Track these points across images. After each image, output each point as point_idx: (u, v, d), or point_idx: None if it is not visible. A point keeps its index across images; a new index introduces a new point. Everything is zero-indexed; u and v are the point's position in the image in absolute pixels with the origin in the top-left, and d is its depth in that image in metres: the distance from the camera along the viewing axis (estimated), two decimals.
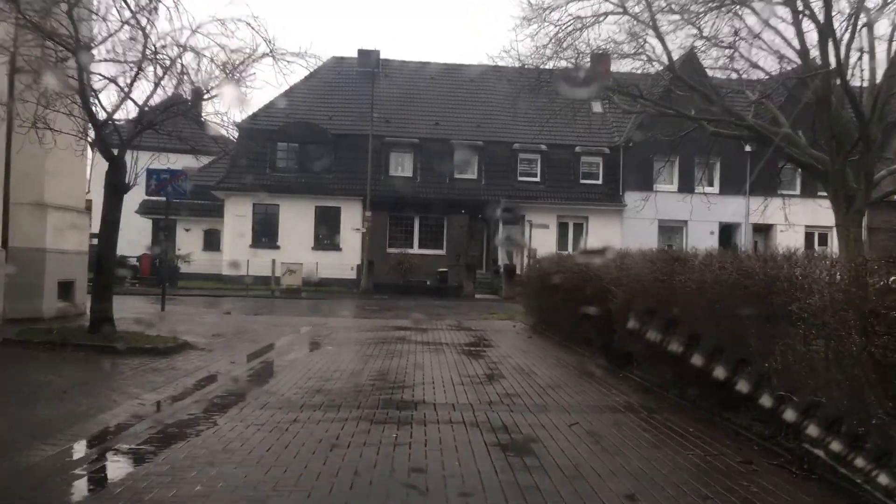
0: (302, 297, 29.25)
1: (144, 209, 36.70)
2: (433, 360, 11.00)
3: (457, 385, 8.71)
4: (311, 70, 20.15)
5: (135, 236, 38.26)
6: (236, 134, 18.41)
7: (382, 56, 38.51)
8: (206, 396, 7.73)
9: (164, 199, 20.91)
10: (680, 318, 7.28)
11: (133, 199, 37.82)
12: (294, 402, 7.49)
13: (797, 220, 36.03)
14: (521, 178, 35.73)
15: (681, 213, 35.99)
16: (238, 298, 27.77)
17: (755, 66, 20.06)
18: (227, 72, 11.57)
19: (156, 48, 11.48)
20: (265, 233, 34.29)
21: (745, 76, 21.45)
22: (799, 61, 19.47)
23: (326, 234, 34.74)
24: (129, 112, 12.13)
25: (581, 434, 6.29)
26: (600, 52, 21.43)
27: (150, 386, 8.24)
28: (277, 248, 33.59)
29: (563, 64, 22.93)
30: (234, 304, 24.84)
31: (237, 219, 33.76)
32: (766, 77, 22.48)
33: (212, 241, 36.17)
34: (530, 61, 21.72)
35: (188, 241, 36.79)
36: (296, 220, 33.79)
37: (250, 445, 5.63)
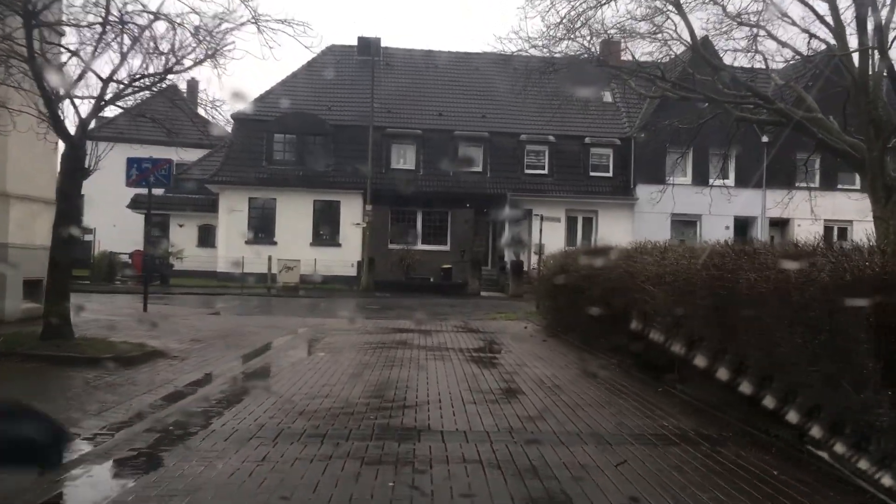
0: (300, 296, 27.83)
1: (136, 204, 35.33)
2: (439, 369, 9.57)
3: (468, 404, 7.28)
4: (305, 45, 18.55)
5: (127, 232, 37.04)
6: (222, 118, 16.84)
7: (383, 44, 36.99)
8: (162, 422, 6.30)
9: (145, 189, 19.32)
10: (746, 327, 5.83)
11: (125, 192, 36.55)
12: (270, 428, 6.06)
13: (817, 213, 34.53)
14: (528, 171, 34.27)
15: (695, 207, 34.52)
16: (232, 297, 26.37)
17: (783, 44, 18.55)
18: (202, 39, 10.02)
19: (122, 14, 10.00)
20: (262, 228, 32.87)
21: (770, 60, 19.96)
22: (831, 40, 17.98)
23: (326, 229, 33.30)
24: (92, 88, 10.63)
25: (633, 478, 4.85)
26: (616, 30, 19.79)
27: (97, 407, 6.83)
28: (274, 244, 32.17)
29: (576, 47, 21.37)
30: (227, 303, 23.43)
31: (232, 214, 32.34)
32: (792, 60, 21.02)
33: (207, 238, 34.75)
34: (540, 42, 20.11)
35: (182, 236, 35.37)
36: (293, 214, 32.36)
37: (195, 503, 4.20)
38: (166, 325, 13.81)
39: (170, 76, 11.39)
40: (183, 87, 47.27)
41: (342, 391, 7.82)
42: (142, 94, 11.45)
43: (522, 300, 29.10)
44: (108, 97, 10.56)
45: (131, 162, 16.79)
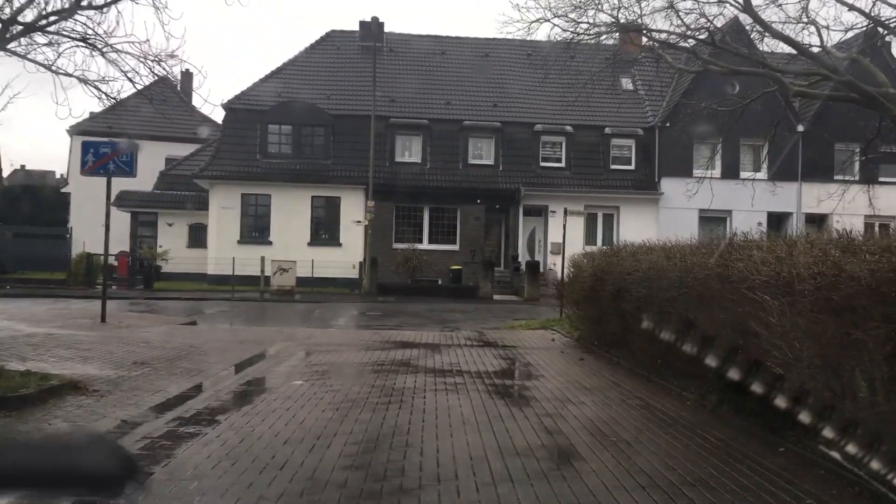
0: (295, 300, 25.30)
1: (121, 201, 32.85)
2: (452, 408, 7.00)
3: (500, 481, 4.67)
4: None
5: (116, 233, 34.52)
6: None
7: (387, 29, 34.47)
8: None
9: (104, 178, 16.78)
10: None
11: (100, 186, 34.07)
12: None
13: (855, 208, 31.90)
14: (543, 164, 31.63)
15: (724, 202, 31.89)
16: (220, 302, 23.87)
17: (851, 6, 15.85)
18: None
19: None
20: (255, 227, 30.35)
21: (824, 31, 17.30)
22: None
23: (324, 227, 30.74)
24: None
25: None
26: None
27: None
28: (269, 243, 29.64)
29: (603, 17, 18.76)
30: (212, 310, 20.93)
31: (223, 211, 29.82)
32: (850, 31, 18.36)
33: (198, 237, 32.22)
34: (564, 6, 17.50)
35: (171, 236, 32.88)
36: (290, 212, 29.81)
37: None
38: (113, 341, 11.26)
39: (84, 12, 8.74)
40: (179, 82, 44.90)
41: (309, 455, 5.22)
42: (55, 38, 8.81)
43: (539, 304, 26.52)
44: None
45: (87, 147, 14.26)
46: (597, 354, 11.26)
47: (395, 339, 13.29)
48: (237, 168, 29.83)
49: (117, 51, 8.75)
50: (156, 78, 8.83)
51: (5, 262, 31.23)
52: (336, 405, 7.08)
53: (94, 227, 36.77)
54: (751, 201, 31.06)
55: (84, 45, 8.62)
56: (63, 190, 40.48)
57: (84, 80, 8.94)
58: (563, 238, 18.68)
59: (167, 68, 8.82)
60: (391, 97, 31.89)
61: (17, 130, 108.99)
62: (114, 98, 9.23)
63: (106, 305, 14.40)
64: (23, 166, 74.77)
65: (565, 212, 18.73)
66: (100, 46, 8.71)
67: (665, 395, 7.71)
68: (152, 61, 8.79)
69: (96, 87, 9.10)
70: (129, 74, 8.90)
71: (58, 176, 55.14)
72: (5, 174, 72.38)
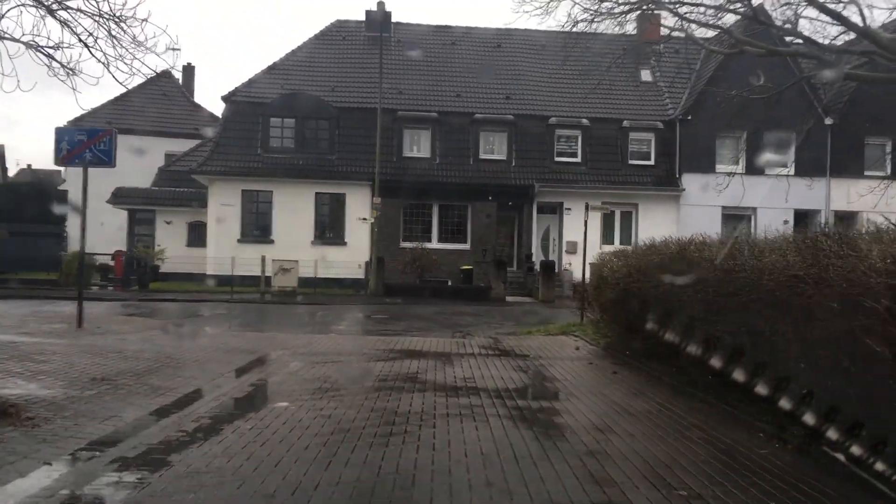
0: (297, 302, 23.97)
1: (117, 198, 31.67)
2: (469, 443, 5.60)
3: None
4: None
5: (116, 231, 33.30)
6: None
7: (394, 19, 33.12)
8: None
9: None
10: None
11: (104, 184, 32.87)
12: None
13: (889, 206, 30.39)
14: (558, 159, 30.18)
15: (748, 199, 30.27)
16: (217, 304, 22.58)
17: None
18: None
19: None
20: (256, 225, 29.02)
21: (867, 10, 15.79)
22: None
23: (329, 225, 29.39)
24: None
25: None
26: None
27: None
28: (271, 242, 28.33)
29: None
30: (206, 313, 19.63)
31: (223, 208, 28.49)
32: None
33: (197, 236, 30.92)
34: None
35: (170, 235, 31.63)
36: (292, 209, 28.47)
37: None
38: (81, 351, 9.90)
39: None
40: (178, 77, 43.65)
41: None
42: None
43: (555, 306, 25.09)
44: None
45: (61, 134, 12.91)
46: (631, 367, 9.83)
47: (401, 346, 11.90)
48: (238, 163, 28.53)
49: (68, 8, 7.40)
50: (114, 39, 7.44)
51: (1, 262, 30.01)
52: (324, 438, 5.69)
53: (91, 226, 35.65)
54: (776, 198, 29.67)
55: (31, 1, 7.28)
56: (60, 188, 39.26)
57: (33, 46, 7.59)
58: (584, 236, 17.24)
59: (126, 28, 7.41)
60: (399, 89, 30.54)
61: (24, 130, 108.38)
62: (70, 69, 7.85)
63: (83, 309, 13.04)
64: (29, 165, 73.89)
65: (587, 207, 17.28)
66: (47, 3, 7.34)
67: (730, 425, 6.27)
68: (108, 19, 7.40)
69: (49, 56, 7.74)
70: (83, 37, 7.52)
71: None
72: (12, 173, 71.72)
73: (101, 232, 33.65)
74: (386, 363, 9.95)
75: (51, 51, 7.66)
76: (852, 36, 15.79)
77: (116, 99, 39.81)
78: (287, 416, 6.46)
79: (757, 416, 6.20)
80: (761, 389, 6.17)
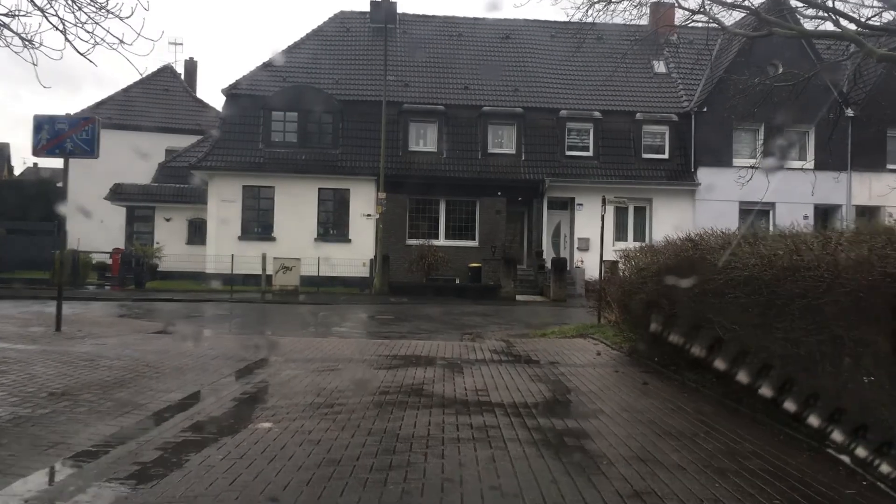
0: (299, 301, 23.00)
1: (115, 195, 30.78)
2: (484, 479, 4.61)
3: None
4: None
5: (117, 229, 32.41)
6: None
7: (399, 9, 32.12)
8: None
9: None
10: None
11: (102, 181, 32.02)
12: None
13: None
14: (569, 153, 29.12)
15: (767, 194, 29.16)
16: (216, 303, 21.67)
17: None
18: None
19: None
20: (257, 221, 28.05)
21: None
22: None
23: (332, 222, 28.41)
24: None
25: None
26: None
27: None
28: (272, 239, 27.37)
29: None
30: (202, 313, 18.68)
31: (223, 205, 27.54)
32: None
33: (198, 233, 30.00)
34: None
35: (169, 232, 30.74)
36: (295, 205, 27.50)
37: None
38: (49, 358, 8.93)
39: None
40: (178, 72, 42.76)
41: None
42: None
43: (567, 305, 24.07)
44: None
45: (40, 123, 11.91)
46: (662, 376, 8.81)
47: (406, 351, 10.90)
48: (238, 158, 27.57)
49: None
50: (73, 3, 6.47)
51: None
52: (309, 471, 4.69)
53: (91, 223, 34.79)
54: (796, 192, 28.60)
55: None
56: (60, 184, 38.39)
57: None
58: (601, 231, 16.20)
59: None
60: (404, 81, 29.54)
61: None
62: (28, 41, 6.88)
63: (62, 311, 12.08)
64: (35, 164, 73.10)
65: (603, 200, 16.22)
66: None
67: (797, 454, 5.24)
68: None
69: (4, 26, 6.76)
70: (38, 1, 6.54)
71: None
72: (18, 172, 70.91)
73: (101, 230, 32.89)
74: (388, 371, 8.95)
75: (3, 18, 6.67)
76: (890, 16, 14.71)
77: (116, 95, 39.00)
78: (268, 442, 5.47)
79: (821, 441, 5.17)
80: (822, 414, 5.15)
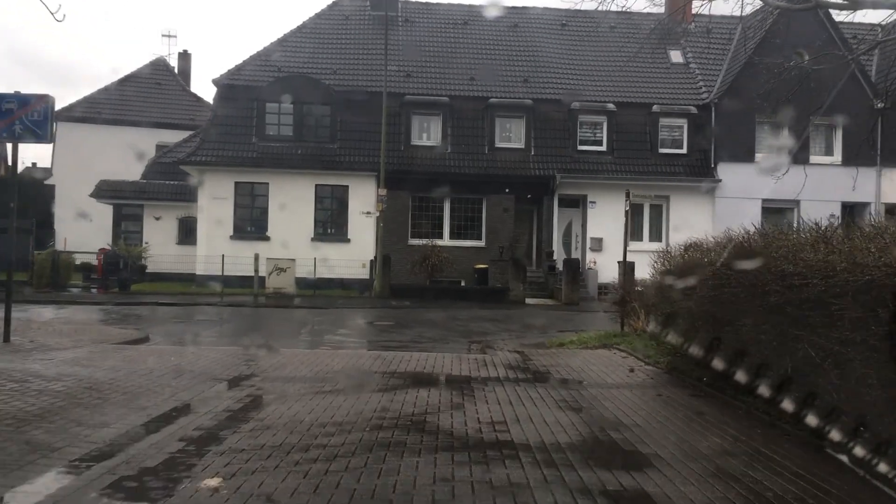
0: (293, 305, 21.43)
1: (100, 192, 29.23)
2: None
3: None
4: None
5: (105, 228, 30.87)
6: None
7: None
8: None
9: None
10: None
11: (92, 178, 30.47)
12: None
13: None
14: (581, 147, 27.48)
15: (791, 191, 27.44)
16: (203, 308, 20.19)
17: None
18: None
19: None
20: (251, 220, 26.48)
21: None
22: None
23: (330, 220, 26.83)
24: None
25: None
26: None
27: None
28: (267, 239, 25.78)
29: None
30: (185, 319, 17.12)
31: (214, 202, 25.97)
32: None
33: (188, 232, 28.42)
34: None
35: (159, 231, 29.16)
36: (290, 202, 25.87)
37: None
38: None
39: None
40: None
41: None
42: None
43: (581, 309, 22.46)
44: None
45: None
46: (719, 402, 7.19)
47: (407, 366, 9.31)
48: (230, 153, 26.00)
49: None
50: None
51: None
52: None
53: (79, 221, 33.25)
54: (821, 190, 26.97)
55: None
56: (47, 182, 36.88)
57: None
58: (626, 229, 14.58)
59: None
60: (406, 72, 27.94)
61: None
62: None
63: (11, 318, 10.48)
64: (34, 164, 71.66)
65: (627, 194, 14.57)
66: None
67: None
68: None
69: None
70: None
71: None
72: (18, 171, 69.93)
73: (91, 229, 31.34)
74: (384, 395, 7.35)
75: None
76: None
77: (107, 89, 37.47)
78: None
79: None
80: None
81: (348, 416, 6.43)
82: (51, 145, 36.32)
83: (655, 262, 9.87)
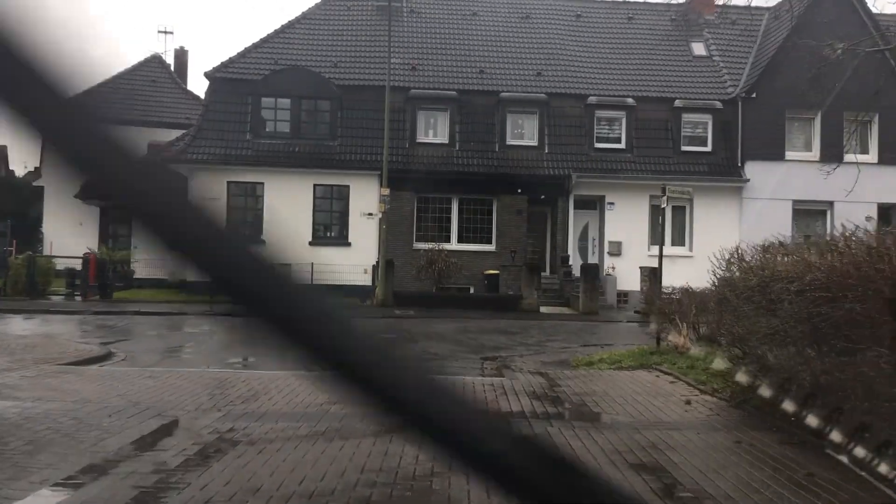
0: None
1: (88, 193, 27.39)
2: None
3: None
4: None
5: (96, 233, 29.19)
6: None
7: None
8: None
9: None
10: None
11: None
12: None
13: None
14: (598, 145, 25.63)
15: (824, 192, 25.68)
16: (186, 318, 18.36)
17: None
18: None
19: None
20: (244, 222, 24.69)
21: None
22: None
23: (330, 222, 25.03)
24: None
25: None
26: None
27: None
28: (261, 242, 23.86)
29: None
30: (159, 331, 15.33)
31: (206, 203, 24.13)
32: None
33: None
34: None
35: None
36: (287, 203, 24.10)
37: None
38: None
39: None
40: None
41: None
42: None
43: (600, 319, 20.62)
44: None
45: None
46: (825, 456, 5.35)
47: None
48: (223, 150, 24.22)
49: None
50: None
51: None
52: None
53: (68, 224, 31.59)
54: (856, 190, 25.10)
55: None
56: (35, 183, 35.26)
57: None
58: (661, 229, 12.76)
59: None
60: (411, 65, 26.20)
61: None
62: None
63: None
64: (36, 168, 70.25)
65: (663, 190, 12.71)
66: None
67: None
68: None
69: None
70: None
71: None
72: (19, 175, 68.03)
73: (78, 233, 29.65)
74: (377, 444, 5.52)
75: None
76: None
77: (98, 85, 35.81)
78: None
79: None
80: None
81: (324, 481, 4.62)
82: (38, 145, 34.89)
83: (718, 266, 7.98)
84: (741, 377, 7.07)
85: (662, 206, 12.74)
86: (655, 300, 12.06)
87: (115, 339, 13.35)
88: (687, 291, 12.51)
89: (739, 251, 7.53)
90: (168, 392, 7.62)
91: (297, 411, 6.75)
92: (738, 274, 6.92)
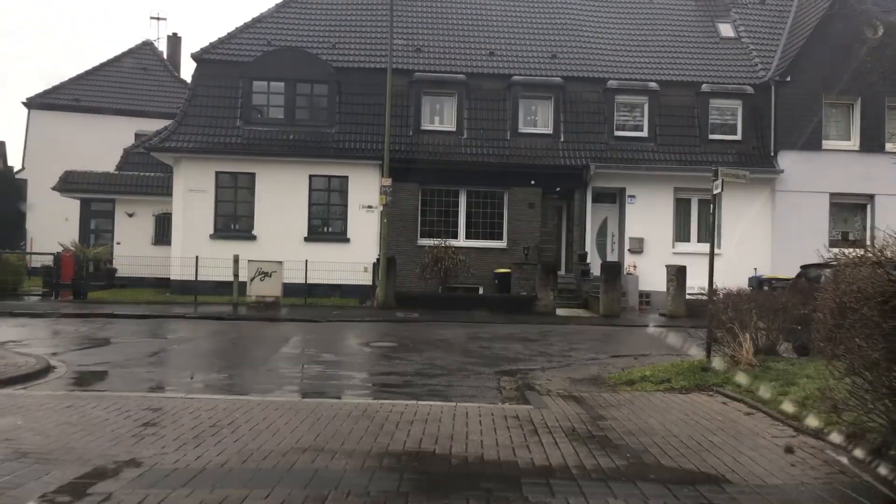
0: (276, 318, 17.64)
1: (65, 185, 25.60)
2: None
3: None
4: None
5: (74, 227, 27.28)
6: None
7: None
8: None
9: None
10: None
11: (61, 171, 26.82)
12: None
13: None
14: (618, 133, 23.57)
15: (863, 184, 23.65)
16: (170, 320, 16.55)
17: None
18: None
19: None
20: (234, 216, 22.71)
21: None
22: None
23: (327, 216, 23.03)
24: None
25: None
26: None
27: None
28: (252, 238, 22.10)
29: None
30: (127, 338, 13.38)
31: (192, 195, 22.23)
32: None
33: (166, 231, 24.80)
34: None
35: (133, 229, 25.55)
36: (280, 196, 22.19)
37: None
38: None
39: None
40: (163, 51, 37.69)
41: None
42: None
43: (622, 322, 18.59)
44: None
45: None
46: None
47: (404, 440, 5.55)
48: (210, 138, 22.28)
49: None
50: None
51: None
52: None
53: (51, 218, 29.67)
54: None
55: None
56: (18, 176, 33.38)
57: None
58: (713, 219, 10.76)
59: None
60: (416, 46, 24.23)
61: None
62: None
63: None
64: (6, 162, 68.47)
65: (716, 174, 10.67)
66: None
67: None
68: None
69: None
70: None
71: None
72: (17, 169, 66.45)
73: (62, 228, 27.75)
74: None
75: None
76: None
77: (86, 73, 33.95)
78: None
79: None
80: None
81: None
82: (22, 136, 32.93)
83: (841, 267, 5.91)
84: (871, 419, 5.05)
85: (715, 191, 10.71)
86: (709, 304, 10.03)
87: (67, 349, 11.41)
88: (741, 294, 10.54)
89: (869, 245, 5.46)
90: (81, 432, 5.66)
91: (234, 473, 4.76)
92: (885, 277, 4.88)
